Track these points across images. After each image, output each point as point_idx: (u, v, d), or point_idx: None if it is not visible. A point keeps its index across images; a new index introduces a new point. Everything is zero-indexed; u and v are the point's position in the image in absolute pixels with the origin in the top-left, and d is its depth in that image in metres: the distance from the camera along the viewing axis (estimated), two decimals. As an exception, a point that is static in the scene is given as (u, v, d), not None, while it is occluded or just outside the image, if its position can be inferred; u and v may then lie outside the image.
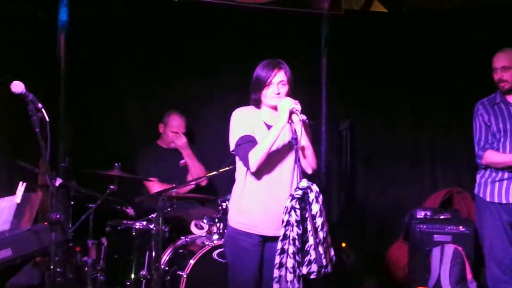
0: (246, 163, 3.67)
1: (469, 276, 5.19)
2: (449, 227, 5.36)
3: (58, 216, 3.46)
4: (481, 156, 4.67)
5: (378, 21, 6.14)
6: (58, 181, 4.09)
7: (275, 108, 3.70)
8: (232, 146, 3.77)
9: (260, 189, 3.74)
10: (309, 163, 3.77)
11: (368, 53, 6.24)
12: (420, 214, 5.51)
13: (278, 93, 3.70)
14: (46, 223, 3.92)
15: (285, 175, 3.74)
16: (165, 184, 5.24)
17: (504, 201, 4.60)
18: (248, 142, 3.69)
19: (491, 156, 4.63)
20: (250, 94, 3.82)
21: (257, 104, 3.81)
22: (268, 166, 3.70)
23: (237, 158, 3.81)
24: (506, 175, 4.60)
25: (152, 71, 5.92)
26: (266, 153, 3.62)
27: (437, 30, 6.14)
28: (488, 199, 4.67)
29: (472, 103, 4.83)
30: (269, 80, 3.70)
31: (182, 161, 5.61)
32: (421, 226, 5.43)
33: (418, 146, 6.48)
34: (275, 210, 3.66)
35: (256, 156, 3.62)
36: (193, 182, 5.37)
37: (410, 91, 6.37)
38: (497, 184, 4.63)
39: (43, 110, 3.41)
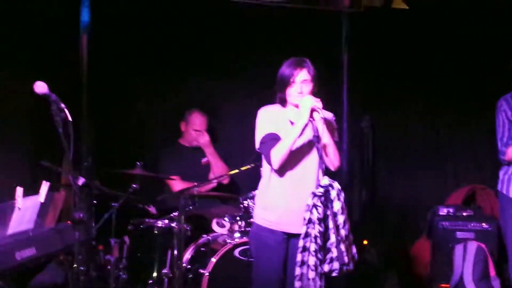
0: (269, 160, 3.70)
1: (492, 273, 5.16)
2: (472, 224, 5.34)
3: (81, 215, 3.49)
4: (504, 152, 4.63)
5: (399, 18, 6.11)
6: (81, 181, 4.11)
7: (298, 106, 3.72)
8: (257, 144, 3.80)
9: (283, 187, 3.76)
10: (331, 160, 3.77)
11: (388, 50, 6.21)
12: (443, 211, 5.49)
13: (301, 92, 3.71)
14: (69, 222, 3.97)
15: (308, 173, 3.75)
16: (187, 182, 5.26)
17: (527, 197, 4.57)
18: (272, 140, 3.72)
19: (514, 152, 4.59)
20: (276, 93, 3.84)
21: (283, 102, 3.83)
22: (292, 163, 3.73)
23: (263, 156, 3.83)
24: (529, 171, 4.56)
25: (173, 69, 5.93)
26: (287, 150, 3.64)
27: (459, 25, 6.09)
28: (511, 195, 4.62)
29: (495, 98, 4.78)
30: (292, 79, 3.72)
31: (204, 159, 5.62)
32: (443, 223, 5.41)
33: (440, 143, 6.44)
34: (298, 208, 3.66)
35: (278, 154, 3.65)
36: (215, 180, 5.39)
37: (431, 88, 6.33)
38: (520, 180, 4.59)
39: (65, 110, 3.44)
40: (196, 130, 5.61)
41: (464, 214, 5.47)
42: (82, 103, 5.31)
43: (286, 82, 3.74)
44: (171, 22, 5.84)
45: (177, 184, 5.33)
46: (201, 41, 5.97)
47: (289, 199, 3.75)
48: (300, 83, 3.73)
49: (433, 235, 5.48)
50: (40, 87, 3.42)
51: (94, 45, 5.30)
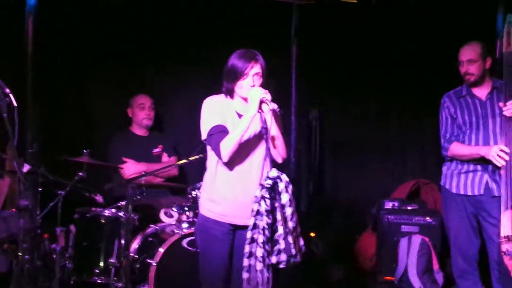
0: (218, 153, 3.67)
1: (436, 266, 5.27)
2: (416, 218, 5.43)
3: (26, 202, 3.43)
4: (447, 148, 4.70)
5: (348, 11, 6.15)
6: (26, 167, 4.04)
7: (247, 99, 3.71)
8: (204, 136, 3.77)
9: (230, 178, 3.75)
10: (279, 152, 3.79)
11: (338, 42, 6.25)
12: (388, 205, 5.58)
13: (253, 85, 3.70)
14: (14, 209, 3.89)
15: (255, 165, 3.75)
16: (141, 163, 5.25)
17: (469, 193, 4.62)
18: (220, 132, 3.69)
19: (456, 148, 4.65)
20: (222, 82, 3.82)
21: (230, 93, 3.81)
22: (239, 155, 3.71)
23: (208, 147, 3.81)
24: (471, 167, 4.62)
25: (119, 57, 5.86)
26: (237, 143, 3.63)
27: (406, 20, 6.17)
28: (454, 190, 4.69)
29: (441, 94, 4.86)
30: (245, 72, 3.70)
31: (155, 150, 5.60)
32: (389, 216, 5.49)
33: (387, 137, 6.53)
34: (245, 200, 3.67)
35: (227, 146, 3.63)
36: (168, 168, 5.35)
37: (380, 81, 6.39)
38: (462, 176, 4.65)
39: (10, 95, 3.37)
40: (141, 104, 5.57)
41: (409, 208, 5.56)
42: (27, 88, 5.20)
43: (238, 74, 3.71)
44: (120, 7, 5.75)
45: (129, 168, 5.29)
46: (150, 29, 5.91)
47: (235, 191, 3.74)
48: (253, 76, 3.72)
49: (378, 229, 5.56)
50: (-17, 71, 3.35)
51: (40, 29, 5.19)
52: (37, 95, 5.26)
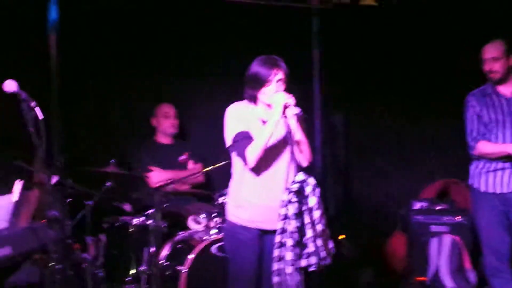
0: (244, 159, 3.68)
1: (467, 265, 5.21)
2: (446, 218, 5.37)
3: (55, 213, 3.46)
4: (474, 147, 4.68)
5: (368, 14, 6.14)
6: (54, 179, 4.07)
7: (270, 105, 3.71)
8: (228, 143, 3.78)
9: (256, 184, 3.75)
10: (304, 156, 3.78)
11: (359, 46, 6.24)
12: (417, 206, 5.53)
13: (277, 92, 3.70)
14: (44, 220, 3.92)
15: (281, 169, 3.76)
16: (167, 171, 5.27)
17: (498, 191, 4.61)
18: (245, 138, 3.70)
19: (483, 147, 4.63)
20: (245, 89, 3.82)
21: (253, 100, 3.81)
22: (264, 161, 3.70)
23: (233, 154, 3.81)
24: (499, 165, 4.61)
25: (142, 68, 5.90)
26: (263, 148, 3.63)
27: (427, 21, 6.14)
28: (482, 189, 4.68)
29: (464, 93, 4.83)
30: (269, 79, 3.71)
31: (181, 157, 5.62)
32: (418, 217, 5.44)
33: (412, 137, 6.49)
34: (272, 204, 3.67)
35: (253, 152, 3.63)
36: (195, 175, 5.36)
37: (402, 83, 6.37)
38: (491, 174, 4.64)
39: (36, 108, 3.40)
40: (166, 113, 5.60)
41: (438, 208, 5.51)
42: (52, 101, 5.25)
43: (261, 81, 3.72)
44: (143, 19, 5.79)
45: (155, 176, 5.31)
46: (172, 39, 5.94)
47: (262, 196, 3.75)
48: (277, 82, 3.73)
49: (407, 229, 5.52)
50: (10, 85, 3.38)
51: (64, 42, 5.25)
52: (62, 107, 5.31)
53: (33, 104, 3.40)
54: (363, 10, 6.07)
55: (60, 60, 5.25)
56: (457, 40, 6.00)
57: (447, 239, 5.27)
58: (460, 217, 5.36)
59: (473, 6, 5.86)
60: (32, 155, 4.13)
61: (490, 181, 4.64)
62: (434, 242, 5.30)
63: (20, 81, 3.42)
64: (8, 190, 3.83)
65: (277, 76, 3.71)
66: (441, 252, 5.25)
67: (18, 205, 3.79)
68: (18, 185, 3.79)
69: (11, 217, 3.73)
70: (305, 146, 3.76)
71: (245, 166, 3.71)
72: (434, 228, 5.37)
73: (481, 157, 4.69)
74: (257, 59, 3.80)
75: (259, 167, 3.71)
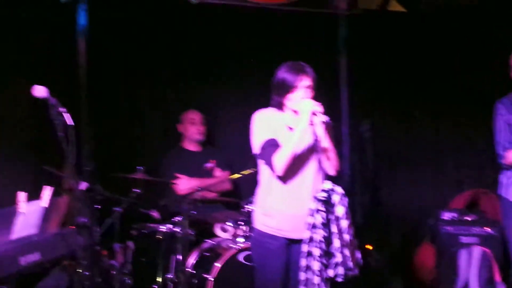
0: (271, 167, 3.66)
1: (498, 278, 5.15)
2: (475, 229, 5.30)
3: (85, 220, 3.48)
4: (503, 156, 4.62)
5: (396, 21, 6.11)
6: (84, 185, 4.10)
7: (297, 111, 3.70)
8: (255, 150, 3.77)
9: (284, 192, 3.74)
10: (332, 164, 3.76)
11: (387, 53, 6.21)
12: (446, 216, 5.47)
13: (304, 98, 3.69)
14: (73, 227, 3.95)
15: (308, 177, 3.74)
16: (194, 179, 5.29)
17: (528, 202, 4.56)
18: (272, 146, 3.68)
19: (513, 156, 4.58)
20: (272, 96, 3.81)
21: (280, 106, 3.80)
22: (292, 168, 3.69)
23: (260, 162, 3.81)
24: (529, 175, 4.56)
25: (169, 75, 5.95)
26: (290, 156, 3.62)
27: (456, 28, 6.09)
28: (512, 199, 4.63)
29: (493, 100, 4.77)
30: (295, 84, 3.69)
31: (208, 164, 5.63)
32: (447, 228, 5.38)
33: (441, 146, 6.44)
34: (299, 213, 3.66)
35: (281, 160, 3.62)
36: (222, 183, 5.37)
37: (430, 91, 6.33)
38: (521, 184, 4.59)
39: (65, 114, 3.43)
40: (192, 119, 5.62)
41: (468, 218, 5.44)
42: (81, 107, 5.28)
43: (288, 88, 3.70)
44: (170, 27, 5.83)
45: (183, 184, 5.33)
46: (200, 46, 5.96)
47: (289, 205, 3.73)
48: (304, 88, 3.71)
49: (436, 240, 5.47)
50: (39, 91, 3.41)
51: (93, 48, 5.29)
52: (91, 113, 5.34)
53: (62, 110, 3.43)
54: (391, 16, 6.04)
55: (89, 66, 5.29)
56: (487, 46, 5.94)
57: (477, 251, 5.21)
58: (490, 228, 5.29)
59: (502, 12, 5.80)
60: (62, 161, 4.17)
61: (520, 191, 4.59)
62: (463, 254, 5.24)
63: (49, 87, 3.45)
64: (37, 195, 3.85)
65: (304, 82, 3.70)
66: (470, 264, 5.19)
67: (47, 211, 3.81)
68: (47, 191, 3.81)
69: (41, 222, 3.75)
70: (332, 154, 3.74)
71: (273, 174, 3.70)
72: (463, 239, 5.31)
73: (511, 167, 4.62)
74: (283, 65, 3.79)
75: (286, 175, 3.70)
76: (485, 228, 5.31)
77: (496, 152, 4.70)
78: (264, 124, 3.77)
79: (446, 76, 6.22)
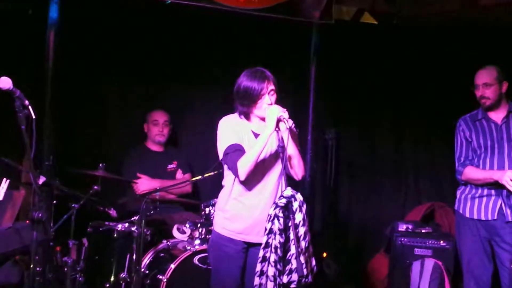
0: (235, 172, 3.66)
1: (448, 290, 5.23)
2: (430, 241, 5.36)
3: (40, 214, 3.44)
4: (461, 172, 4.68)
5: (368, 33, 6.16)
6: (42, 179, 4.05)
7: (264, 118, 3.70)
8: (220, 155, 3.77)
9: (246, 197, 3.75)
10: (296, 171, 3.77)
11: (356, 63, 6.26)
12: (402, 227, 5.52)
13: (271, 103, 3.70)
14: (28, 221, 3.90)
15: (271, 183, 3.75)
16: (155, 180, 5.26)
17: (483, 218, 4.60)
18: (237, 151, 3.68)
19: (470, 173, 4.63)
20: (236, 104, 3.80)
21: (246, 115, 3.80)
22: (255, 174, 3.70)
23: (225, 166, 3.81)
24: (485, 191, 4.60)
25: (138, 73, 5.89)
26: (254, 161, 3.62)
27: (425, 44, 6.18)
28: (467, 215, 4.67)
29: (456, 117, 4.85)
30: (260, 93, 3.69)
31: (170, 166, 5.62)
32: (402, 239, 5.44)
33: (402, 159, 6.52)
34: (260, 217, 3.67)
35: (245, 165, 3.62)
36: (182, 185, 5.35)
37: (396, 103, 6.41)
38: (476, 200, 4.63)
39: (29, 107, 3.39)
40: (155, 120, 5.59)
41: (423, 231, 5.50)
42: (46, 101, 5.22)
43: (254, 97, 3.69)
44: (139, 26, 5.78)
45: (143, 184, 5.30)
46: (168, 47, 5.93)
47: (251, 209, 3.74)
48: (269, 94, 3.72)
49: (391, 251, 5.52)
50: (4, 82, 3.36)
51: (62, 42, 5.24)
52: (55, 108, 5.28)
53: (26, 102, 3.38)
54: (363, 27, 6.09)
55: (56, 60, 5.24)
56: (454, 62, 6.03)
57: (430, 263, 5.26)
58: (444, 241, 5.36)
59: (471, 29, 5.90)
60: (22, 154, 4.13)
61: (475, 207, 4.64)
62: (416, 265, 5.29)
63: (15, 79, 3.41)
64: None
65: (268, 88, 3.70)
66: (422, 275, 5.24)
67: (3, 204, 3.76)
68: (4, 184, 3.75)
69: (-5, 215, 3.71)
70: (297, 160, 3.75)
71: (236, 178, 3.70)
72: (417, 251, 5.36)
73: (468, 183, 4.69)
74: (244, 74, 3.77)
75: (250, 180, 3.70)
76: (439, 241, 5.37)
77: (455, 167, 4.77)
78: (229, 130, 3.77)
79: (412, 89, 6.30)
